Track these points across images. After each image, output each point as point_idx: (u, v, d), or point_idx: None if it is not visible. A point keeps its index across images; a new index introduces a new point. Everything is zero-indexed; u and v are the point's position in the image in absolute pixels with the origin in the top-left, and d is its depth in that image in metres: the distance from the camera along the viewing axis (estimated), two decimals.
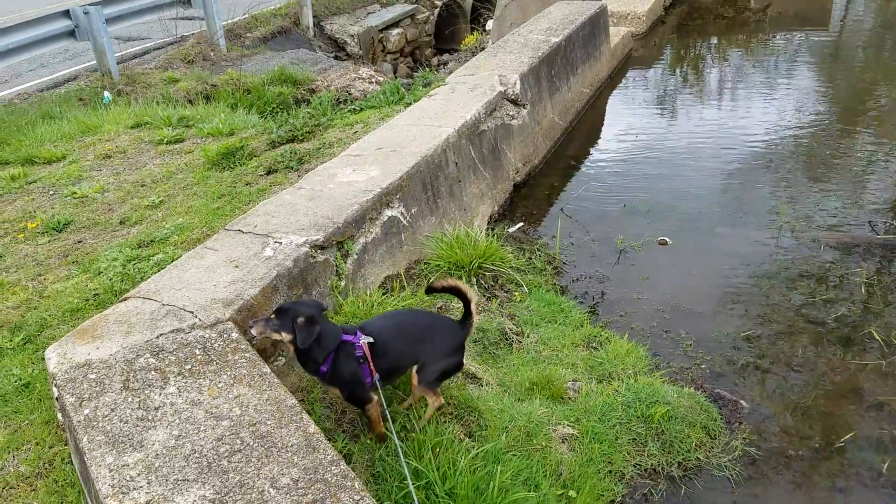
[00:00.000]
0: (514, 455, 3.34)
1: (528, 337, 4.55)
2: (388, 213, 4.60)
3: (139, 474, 2.36)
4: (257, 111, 8.74)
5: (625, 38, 11.56)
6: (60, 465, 3.03)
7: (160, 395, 2.72)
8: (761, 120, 8.62)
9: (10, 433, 3.20)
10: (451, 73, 7.66)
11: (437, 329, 3.30)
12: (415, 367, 3.21)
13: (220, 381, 2.78)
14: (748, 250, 5.73)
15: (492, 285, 4.96)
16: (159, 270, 3.79)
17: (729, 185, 7.01)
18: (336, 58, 12.85)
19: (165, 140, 6.94)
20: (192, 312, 3.22)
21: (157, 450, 2.46)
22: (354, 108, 7.26)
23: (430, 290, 3.41)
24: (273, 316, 2.96)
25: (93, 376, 2.84)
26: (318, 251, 3.90)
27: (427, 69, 11.01)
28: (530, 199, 6.91)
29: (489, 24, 13.67)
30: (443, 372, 3.27)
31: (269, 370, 2.86)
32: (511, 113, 6.82)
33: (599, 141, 8.56)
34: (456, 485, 2.90)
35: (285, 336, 2.94)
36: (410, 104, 6.56)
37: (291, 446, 2.46)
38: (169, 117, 7.56)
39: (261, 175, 5.73)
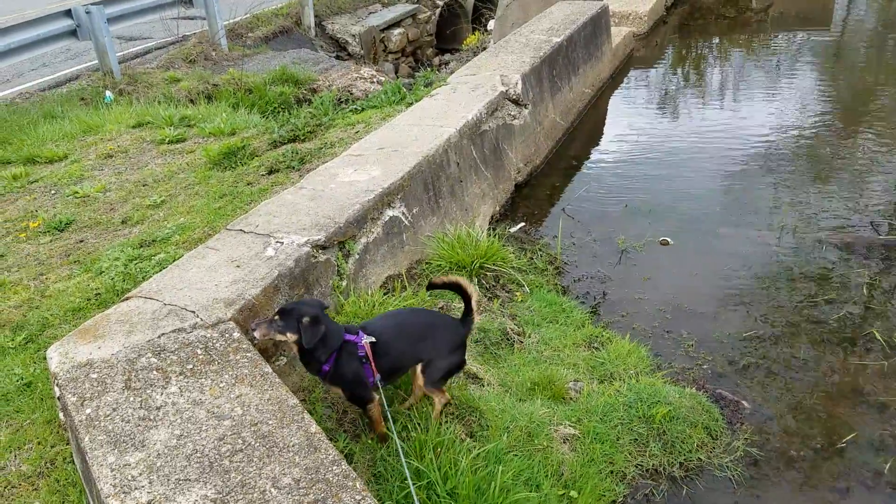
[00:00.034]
0: (516, 455, 3.34)
1: (529, 337, 4.55)
2: (390, 212, 4.60)
3: (141, 474, 2.36)
4: (259, 111, 8.74)
5: (626, 38, 11.55)
6: (62, 464, 3.03)
7: (162, 394, 2.72)
8: (763, 120, 8.61)
9: (11, 432, 3.20)
10: (452, 72, 7.66)
11: (438, 327, 3.30)
12: (419, 367, 3.21)
13: (221, 381, 2.78)
14: (750, 251, 5.73)
15: (493, 285, 4.96)
16: (161, 270, 3.79)
17: (730, 186, 7.00)
18: (338, 57, 12.86)
19: (167, 140, 6.94)
20: (193, 312, 3.22)
21: (158, 449, 2.46)
22: (356, 108, 7.26)
23: (431, 287, 3.42)
24: (277, 317, 2.95)
25: (94, 376, 2.84)
26: (320, 251, 3.90)
27: (428, 69, 11.00)
28: (532, 199, 6.90)
29: (491, 24, 13.67)
30: (447, 370, 3.27)
31: (270, 370, 2.86)
32: (513, 113, 6.81)
33: (601, 141, 8.56)
34: (457, 485, 2.90)
35: (290, 337, 2.93)
36: (412, 104, 6.56)
37: (293, 446, 2.46)
38: (170, 117, 7.57)
39: (262, 175, 5.74)
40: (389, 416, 3.05)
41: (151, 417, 2.60)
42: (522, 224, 6.29)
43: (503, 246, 5.21)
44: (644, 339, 4.71)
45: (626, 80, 10.85)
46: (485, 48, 10.67)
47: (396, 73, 13.86)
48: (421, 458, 3.02)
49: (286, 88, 9.59)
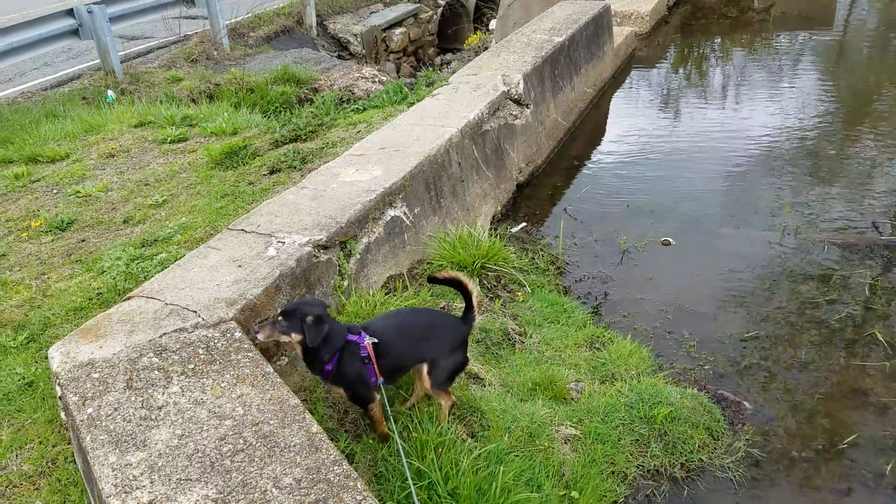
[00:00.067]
0: (517, 456, 3.34)
1: (530, 337, 4.55)
2: (391, 212, 4.60)
3: (142, 473, 2.36)
4: (261, 110, 8.75)
5: (628, 38, 11.54)
6: (63, 464, 3.03)
7: (163, 394, 2.72)
8: (765, 120, 8.60)
9: (13, 432, 3.20)
10: (454, 72, 7.65)
11: (439, 327, 3.29)
12: (425, 370, 3.20)
13: (223, 381, 2.78)
14: (752, 251, 5.72)
15: (495, 285, 4.96)
16: (162, 270, 3.79)
17: (732, 186, 7.00)
18: (339, 57, 12.86)
19: (169, 139, 6.95)
20: (195, 312, 3.22)
21: (159, 449, 2.46)
22: (357, 108, 7.26)
23: (432, 280, 3.42)
24: (280, 318, 2.94)
25: (96, 375, 2.84)
26: (321, 251, 3.90)
27: (430, 69, 11.01)
28: (533, 199, 6.90)
29: (492, 24, 13.66)
30: (453, 371, 3.27)
31: (271, 370, 2.86)
32: (514, 113, 6.81)
33: (603, 141, 8.55)
34: (458, 485, 2.90)
35: (295, 337, 2.92)
36: (413, 104, 6.56)
37: (294, 446, 2.46)
38: (172, 116, 7.57)
39: (264, 174, 5.74)
40: (391, 416, 3.05)
41: (153, 417, 2.60)
42: (524, 224, 6.29)
43: (505, 246, 5.20)
44: (645, 340, 4.70)
45: (627, 79, 10.84)
46: (486, 48, 10.67)
47: (398, 72, 13.86)
48: (422, 458, 3.02)
49: (288, 88, 9.59)
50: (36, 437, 3.17)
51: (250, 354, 2.94)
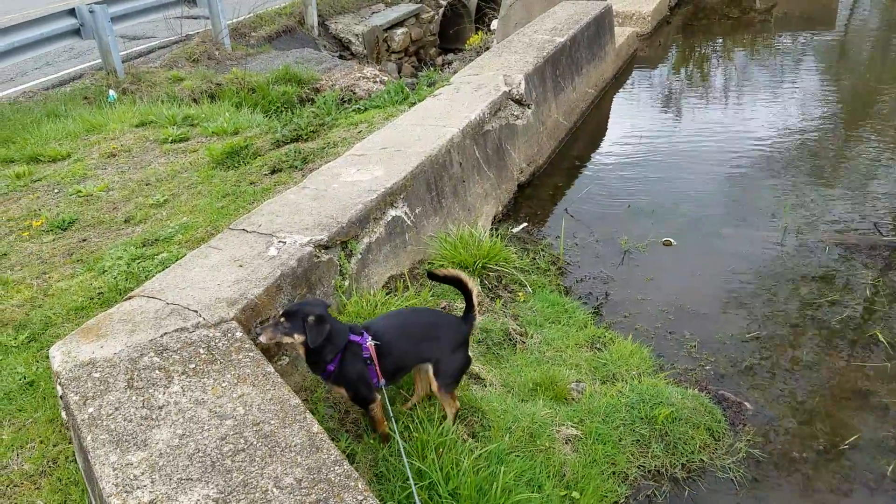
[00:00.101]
0: (518, 456, 3.33)
1: (531, 337, 4.55)
2: (393, 212, 4.60)
3: (143, 473, 2.36)
4: (262, 110, 8.75)
5: (630, 39, 11.54)
6: (64, 463, 3.04)
7: (164, 394, 2.72)
8: (766, 121, 8.60)
9: (14, 431, 3.21)
10: (455, 72, 7.66)
11: (440, 326, 3.28)
12: (431, 372, 3.19)
13: (223, 381, 2.79)
14: (753, 251, 5.72)
15: (496, 285, 4.96)
16: (164, 269, 3.79)
17: (733, 187, 6.99)
18: (340, 57, 12.87)
19: (170, 139, 6.95)
20: (196, 311, 3.22)
21: (160, 449, 2.46)
22: (359, 108, 7.26)
23: (432, 276, 3.40)
24: (283, 319, 2.93)
25: (97, 375, 2.84)
26: (322, 251, 3.90)
27: (431, 69, 11.01)
28: (534, 199, 6.90)
29: (494, 24, 13.66)
30: (458, 371, 3.27)
31: (272, 370, 2.86)
32: (516, 113, 6.81)
33: (604, 141, 8.55)
34: (459, 485, 2.90)
35: (297, 338, 2.91)
36: (415, 104, 6.56)
37: (295, 446, 2.46)
38: (174, 116, 7.57)
39: (265, 174, 5.74)
40: (392, 417, 3.05)
41: (153, 417, 2.60)
42: (525, 224, 6.29)
43: (506, 246, 5.20)
44: (646, 340, 4.70)
45: (629, 80, 10.84)
46: (488, 48, 10.67)
47: (399, 72, 13.86)
48: (423, 458, 3.01)
49: (289, 88, 9.61)
50: (37, 436, 3.17)
51: (251, 354, 2.94)
